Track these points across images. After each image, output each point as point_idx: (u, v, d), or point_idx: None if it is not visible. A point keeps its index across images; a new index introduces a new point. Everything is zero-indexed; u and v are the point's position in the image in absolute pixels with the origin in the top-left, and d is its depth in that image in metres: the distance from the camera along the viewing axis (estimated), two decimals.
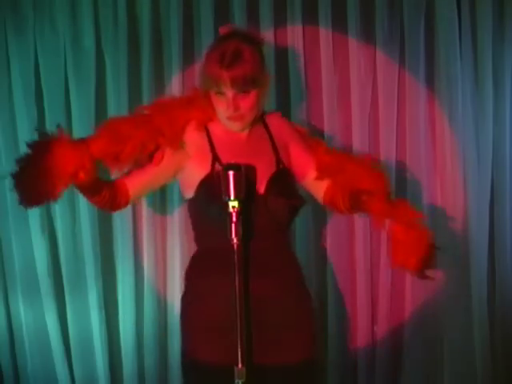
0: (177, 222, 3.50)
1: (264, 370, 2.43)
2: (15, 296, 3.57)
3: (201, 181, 2.47)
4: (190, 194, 2.52)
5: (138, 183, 2.54)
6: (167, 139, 2.49)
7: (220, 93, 2.46)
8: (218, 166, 2.46)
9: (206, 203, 2.44)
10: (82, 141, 2.43)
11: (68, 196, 3.54)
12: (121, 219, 3.53)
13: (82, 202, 3.52)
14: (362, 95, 3.54)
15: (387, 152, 3.55)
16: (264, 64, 2.53)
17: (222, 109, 2.47)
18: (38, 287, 3.55)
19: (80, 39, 3.50)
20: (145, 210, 3.55)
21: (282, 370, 2.46)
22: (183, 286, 2.59)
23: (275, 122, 2.64)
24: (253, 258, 2.44)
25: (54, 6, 3.50)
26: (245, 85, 2.44)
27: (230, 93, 2.44)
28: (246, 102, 2.46)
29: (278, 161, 2.55)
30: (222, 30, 2.55)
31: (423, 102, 3.54)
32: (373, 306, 3.60)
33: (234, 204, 2.28)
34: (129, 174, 2.54)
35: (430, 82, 3.55)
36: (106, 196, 2.50)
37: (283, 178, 2.53)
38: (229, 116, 2.47)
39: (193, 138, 2.53)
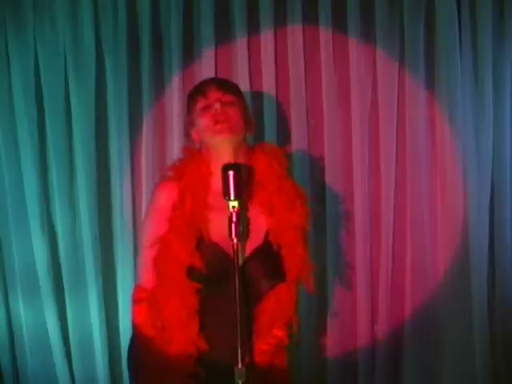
0: None
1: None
2: (15, 296, 3.57)
3: None
4: None
5: None
6: None
7: (205, 106, 2.46)
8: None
9: None
10: None
11: (68, 196, 3.55)
12: (121, 219, 3.53)
13: (82, 202, 3.52)
14: (361, 95, 3.54)
15: (387, 152, 3.55)
16: (247, 106, 2.57)
17: (208, 118, 2.45)
18: (38, 287, 3.55)
19: (80, 39, 3.50)
20: (144, 210, 3.54)
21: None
22: None
23: (262, 166, 2.54)
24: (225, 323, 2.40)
25: (53, 6, 3.50)
26: (230, 89, 2.48)
27: (216, 95, 2.45)
28: (233, 111, 2.46)
29: (267, 232, 2.49)
30: None
31: (423, 101, 3.54)
32: (373, 305, 3.61)
33: (233, 204, 2.28)
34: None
35: (430, 82, 3.55)
36: None
37: (267, 253, 2.48)
38: (215, 125, 2.44)
39: None
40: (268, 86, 3.52)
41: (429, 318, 3.58)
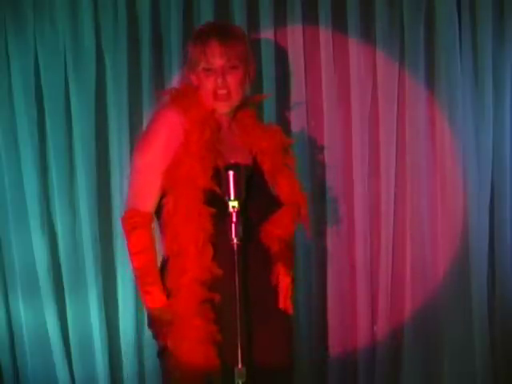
0: None
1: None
2: (15, 296, 3.57)
3: None
4: None
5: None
6: None
7: (208, 69, 2.45)
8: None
9: None
10: None
11: (68, 196, 3.55)
12: None
13: (82, 202, 3.52)
14: (361, 95, 3.54)
15: (387, 152, 3.55)
16: (250, 50, 2.55)
17: (210, 84, 2.45)
18: (38, 287, 3.55)
19: (80, 39, 3.50)
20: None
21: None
22: None
23: (246, 115, 2.61)
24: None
25: (54, 6, 3.50)
26: (234, 48, 2.45)
27: (219, 62, 2.44)
28: (234, 78, 2.46)
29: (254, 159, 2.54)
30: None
31: (423, 101, 3.54)
32: (373, 305, 3.60)
33: (233, 204, 2.28)
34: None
35: (430, 81, 3.55)
36: None
37: (260, 179, 2.52)
38: (216, 93, 2.45)
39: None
40: (268, 85, 3.51)
41: (429, 318, 3.58)
